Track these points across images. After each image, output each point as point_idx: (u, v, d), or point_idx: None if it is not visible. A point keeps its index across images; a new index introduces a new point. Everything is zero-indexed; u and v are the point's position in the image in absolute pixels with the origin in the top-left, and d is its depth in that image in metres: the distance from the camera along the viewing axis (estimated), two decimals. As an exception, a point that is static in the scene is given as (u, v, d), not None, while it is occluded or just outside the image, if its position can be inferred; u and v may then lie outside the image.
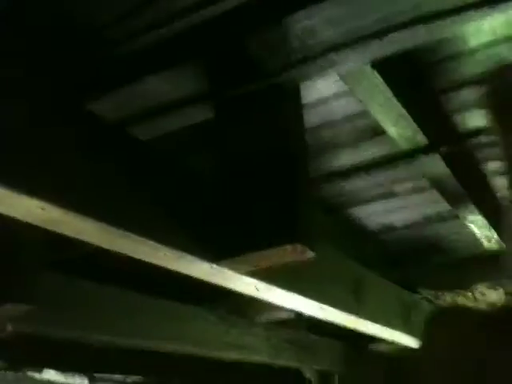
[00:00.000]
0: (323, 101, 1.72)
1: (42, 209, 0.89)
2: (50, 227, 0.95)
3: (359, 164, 1.62)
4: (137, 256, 1.12)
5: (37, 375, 1.82)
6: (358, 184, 2.30)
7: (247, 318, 2.86)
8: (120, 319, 2.10)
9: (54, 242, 1.76)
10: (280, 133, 1.23)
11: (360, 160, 1.71)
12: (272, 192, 1.20)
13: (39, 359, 1.83)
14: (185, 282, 2.18)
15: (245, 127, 1.21)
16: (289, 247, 1.16)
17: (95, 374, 2.30)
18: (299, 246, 1.17)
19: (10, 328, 1.69)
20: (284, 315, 2.97)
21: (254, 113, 1.22)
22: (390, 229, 2.61)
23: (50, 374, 1.83)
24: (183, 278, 1.76)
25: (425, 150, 1.42)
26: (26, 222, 1.45)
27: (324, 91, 1.68)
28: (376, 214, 2.55)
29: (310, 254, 1.19)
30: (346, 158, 1.89)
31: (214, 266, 1.23)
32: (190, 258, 1.18)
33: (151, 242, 1.08)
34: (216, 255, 1.21)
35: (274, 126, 1.22)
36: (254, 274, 1.33)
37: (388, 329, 2.07)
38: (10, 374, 1.73)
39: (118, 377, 2.53)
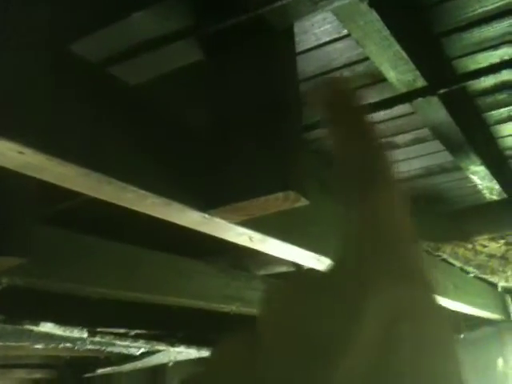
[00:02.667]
0: (320, 47, 1.66)
1: (20, 153, 0.86)
2: (29, 173, 0.91)
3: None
4: (123, 204, 1.09)
5: (35, 328, 1.83)
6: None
7: (247, 271, 2.87)
8: (118, 272, 2.11)
9: (48, 194, 1.74)
10: (272, 77, 1.18)
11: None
12: (263, 139, 1.16)
13: (37, 312, 1.83)
14: (184, 236, 2.17)
15: (235, 72, 1.16)
16: (281, 195, 1.13)
17: (95, 328, 2.31)
18: (292, 194, 1.13)
19: (4, 281, 1.68)
20: (284, 269, 2.97)
21: (245, 57, 1.17)
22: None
23: (47, 326, 1.83)
24: (183, 231, 1.74)
25: (423, 93, 1.36)
26: (19, 175, 1.42)
27: (321, 36, 1.62)
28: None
29: (304, 202, 1.16)
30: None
31: (205, 215, 1.20)
32: (178, 206, 1.15)
33: (137, 189, 1.05)
34: (206, 204, 1.18)
35: (266, 70, 1.17)
36: (246, 223, 1.30)
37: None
38: (8, 327, 1.73)
39: (119, 330, 2.55)
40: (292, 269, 2.84)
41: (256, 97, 1.17)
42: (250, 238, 1.38)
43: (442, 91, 1.34)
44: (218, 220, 1.23)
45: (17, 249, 1.61)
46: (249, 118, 1.17)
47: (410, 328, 0.27)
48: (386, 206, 0.31)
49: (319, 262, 1.66)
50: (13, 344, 3.39)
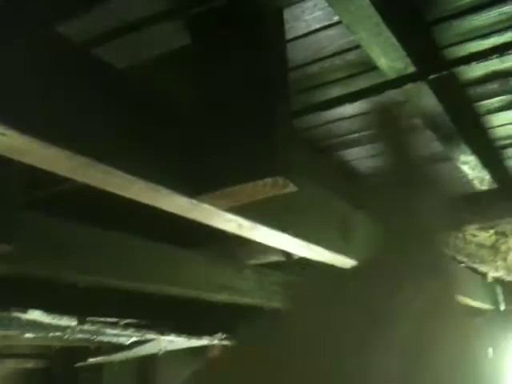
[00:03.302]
0: (311, 34, 1.65)
1: (2, 134, 0.84)
2: (13, 156, 0.90)
3: (347, 99, 1.55)
4: (110, 189, 1.08)
5: (23, 316, 1.81)
6: (347, 125, 2.25)
7: (238, 260, 2.87)
8: (107, 260, 2.09)
9: (35, 180, 1.72)
10: (260, 62, 1.17)
11: (350, 95, 1.65)
12: (251, 124, 1.15)
13: (25, 300, 1.82)
14: (175, 225, 2.16)
15: (222, 56, 1.15)
16: (269, 180, 1.13)
17: (85, 317, 2.30)
18: (280, 179, 1.13)
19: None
20: (275, 258, 2.97)
21: (233, 41, 1.16)
22: (380, 171, 2.57)
23: (35, 314, 1.82)
24: (173, 220, 1.74)
25: (413, 78, 1.36)
26: (3, 160, 1.41)
27: (312, 23, 1.60)
28: (368, 156, 2.51)
29: (292, 188, 1.15)
30: (334, 95, 1.82)
31: (193, 201, 1.19)
32: (166, 191, 1.14)
33: (124, 174, 1.04)
34: (194, 189, 1.17)
35: (254, 54, 1.16)
36: (235, 210, 1.30)
37: (376, 269, 2.06)
38: (-4, 315, 1.72)
39: (109, 319, 2.54)
40: (283, 258, 2.84)
41: (244, 82, 1.16)
42: (239, 226, 1.37)
43: (432, 76, 1.33)
44: (206, 206, 1.22)
45: (2, 236, 1.60)
46: (236, 103, 1.16)
47: (437, 324, 0.27)
48: (417, 213, 0.32)
49: (309, 250, 1.66)
50: (2, 333, 3.38)
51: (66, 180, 1.45)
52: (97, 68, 1.09)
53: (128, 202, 1.47)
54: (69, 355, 4.58)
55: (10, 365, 4.78)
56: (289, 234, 1.51)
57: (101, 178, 1.02)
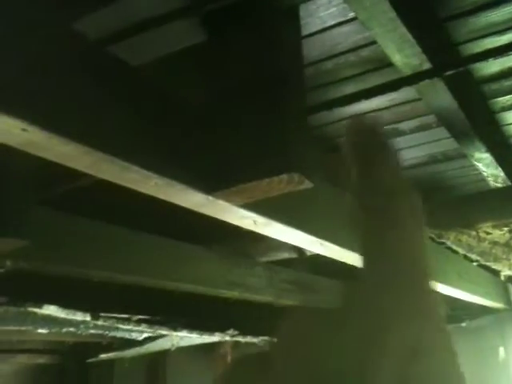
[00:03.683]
0: (325, 30, 1.64)
1: (24, 130, 0.85)
2: (32, 151, 0.91)
3: (363, 95, 1.55)
4: (126, 184, 1.09)
5: (38, 310, 1.83)
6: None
7: (249, 257, 2.87)
8: (120, 257, 2.10)
9: (49, 176, 1.73)
10: (274, 57, 1.17)
11: (365, 92, 1.64)
12: (267, 120, 1.15)
13: (40, 295, 1.84)
14: (187, 222, 2.17)
15: (237, 51, 1.15)
16: (285, 177, 1.12)
17: (98, 312, 2.32)
18: (296, 176, 1.13)
19: (8, 264, 1.68)
20: (286, 255, 2.97)
21: (248, 36, 1.16)
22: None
23: (50, 309, 1.84)
24: (185, 216, 1.74)
25: (429, 75, 1.35)
26: (20, 155, 1.42)
27: (326, 20, 1.60)
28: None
29: (307, 184, 1.15)
30: (349, 91, 1.82)
31: (208, 197, 1.19)
32: (182, 187, 1.14)
33: (140, 169, 1.04)
34: (210, 185, 1.18)
35: (268, 49, 1.16)
36: (250, 206, 1.30)
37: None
38: (11, 311, 1.74)
39: (122, 315, 2.56)
40: (294, 255, 2.84)
41: (259, 78, 1.16)
42: (254, 222, 1.37)
43: (448, 73, 1.33)
44: (221, 202, 1.22)
45: (18, 231, 1.61)
46: (251, 100, 1.16)
47: (425, 365, 0.26)
48: (405, 244, 0.31)
49: (322, 247, 1.66)
50: (16, 328, 3.41)
51: (82, 176, 1.46)
52: (113, 65, 1.09)
53: (140, 199, 1.48)
54: (81, 351, 4.61)
55: (22, 360, 4.82)
56: (303, 230, 1.51)
57: (118, 173, 1.02)
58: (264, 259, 2.97)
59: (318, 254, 2.28)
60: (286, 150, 1.13)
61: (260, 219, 1.37)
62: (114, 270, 2.09)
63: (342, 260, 1.89)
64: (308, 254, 2.78)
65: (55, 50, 0.95)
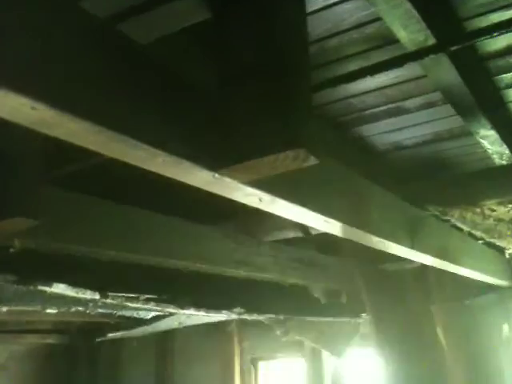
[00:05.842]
0: (329, 7, 1.64)
1: (33, 108, 0.86)
2: (42, 129, 0.92)
3: (368, 71, 1.55)
4: (134, 162, 1.10)
5: (48, 289, 1.86)
6: (367, 100, 2.24)
7: (255, 236, 2.89)
8: (127, 236, 2.13)
9: (60, 157, 1.74)
10: (280, 34, 1.17)
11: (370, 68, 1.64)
12: (272, 98, 1.16)
13: (50, 274, 1.86)
14: (193, 201, 2.19)
15: (242, 29, 1.16)
16: (290, 153, 1.13)
17: (107, 291, 2.35)
18: (301, 152, 1.14)
19: (17, 243, 1.71)
20: (291, 234, 2.99)
21: (252, 14, 1.16)
22: (399, 146, 2.57)
23: (60, 287, 1.87)
24: (191, 195, 1.76)
25: (434, 50, 1.35)
26: (29, 136, 1.43)
27: (331, -4, 1.60)
28: (386, 132, 2.50)
29: (313, 161, 1.16)
30: (353, 69, 1.82)
31: (215, 174, 1.21)
32: (189, 164, 1.15)
33: (149, 147, 1.05)
34: (216, 163, 1.19)
35: (275, 29, 1.16)
36: (256, 184, 1.31)
37: (393, 243, 2.07)
38: (20, 290, 1.76)
39: (130, 294, 2.58)
40: (300, 234, 2.86)
41: (264, 54, 1.16)
42: (260, 199, 1.38)
43: (453, 48, 1.32)
44: (227, 180, 1.23)
45: (27, 211, 1.63)
46: (257, 77, 1.17)
47: None
48: None
49: (327, 224, 1.67)
50: (25, 308, 3.45)
51: (91, 155, 1.47)
52: (122, 44, 1.10)
53: (148, 178, 1.49)
54: (90, 331, 4.67)
55: (32, 340, 4.89)
56: (307, 207, 1.52)
57: (126, 150, 1.04)
58: (269, 238, 2.99)
59: (323, 233, 2.30)
60: (291, 127, 1.14)
61: (265, 197, 1.38)
62: (121, 249, 2.11)
63: (347, 237, 1.91)
64: (313, 232, 2.80)
65: (63, 28, 0.96)
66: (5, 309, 3.39)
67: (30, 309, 3.57)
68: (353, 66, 1.86)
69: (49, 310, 3.59)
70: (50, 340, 4.94)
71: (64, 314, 3.83)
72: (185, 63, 1.23)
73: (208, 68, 1.22)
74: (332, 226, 1.73)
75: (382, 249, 2.12)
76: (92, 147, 1.01)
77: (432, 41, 1.46)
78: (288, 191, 1.44)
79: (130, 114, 1.04)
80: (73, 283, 1.87)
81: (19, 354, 4.87)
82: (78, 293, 1.93)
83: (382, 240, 2.00)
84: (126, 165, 1.12)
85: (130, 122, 1.03)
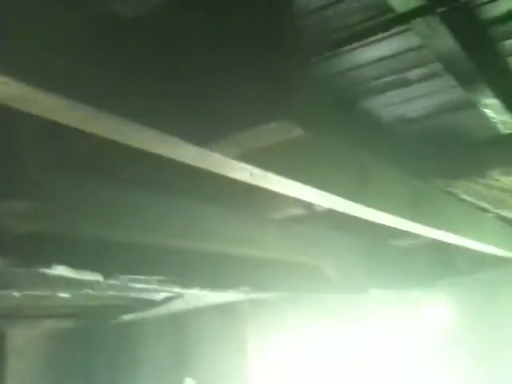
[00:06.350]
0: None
1: (6, 84, 0.85)
2: (17, 106, 0.91)
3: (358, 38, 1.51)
4: (119, 138, 1.09)
5: (47, 271, 1.87)
6: (370, 72, 2.20)
7: (261, 215, 2.88)
8: (130, 217, 2.12)
9: (59, 139, 1.73)
10: (274, 5, 1.15)
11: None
12: (264, 69, 1.13)
13: (50, 256, 1.87)
14: (196, 180, 2.18)
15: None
16: (281, 124, 1.11)
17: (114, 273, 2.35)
18: (291, 123, 1.11)
19: (20, 225, 1.71)
20: (298, 211, 2.97)
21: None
22: (403, 119, 2.53)
23: (60, 269, 1.87)
24: (194, 175, 1.74)
25: (421, 11, 1.30)
26: (31, 118, 1.41)
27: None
28: (389, 105, 2.46)
29: (301, 132, 1.14)
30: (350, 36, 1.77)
31: (203, 150, 1.19)
32: (176, 140, 1.13)
33: (131, 123, 1.04)
34: (204, 138, 1.17)
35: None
36: (246, 158, 1.29)
37: (398, 218, 2.04)
38: (20, 270, 1.77)
39: (136, 276, 2.59)
40: (305, 211, 2.84)
41: (258, 25, 1.14)
42: (251, 174, 1.37)
43: (440, 9, 1.28)
44: (216, 155, 1.22)
45: (30, 193, 1.63)
46: (249, 48, 1.14)
47: None
48: None
49: (324, 199, 1.65)
50: (39, 293, 3.49)
51: (93, 138, 1.46)
52: (107, 16, 1.08)
53: (151, 159, 1.48)
54: (104, 314, 4.71)
55: (48, 325, 4.95)
56: (302, 182, 1.50)
57: (107, 127, 1.02)
58: (275, 216, 2.97)
59: (329, 210, 2.28)
60: (284, 98, 1.11)
61: (256, 171, 1.36)
62: (124, 231, 2.11)
63: (347, 212, 1.88)
64: (319, 209, 2.77)
65: (46, 4, 0.94)
66: (18, 294, 3.44)
67: (43, 294, 3.61)
68: (350, 33, 1.82)
69: (61, 295, 3.64)
70: (66, 324, 5.00)
71: (77, 297, 3.88)
72: (174, 34, 1.20)
73: (198, 39, 1.19)
74: (331, 201, 1.71)
75: (386, 224, 2.10)
76: (73, 124, 1.00)
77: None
78: (281, 165, 1.42)
79: (111, 88, 1.02)
80: (73, 265, 1.88)
81: (35, 338, 4.94)
82: (78, 274, 1.94)
83: (385, 214, 1.97)
84: (130, 147, 1.11)
85: (111, 97, 1.01)
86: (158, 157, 1.22)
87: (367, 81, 2.25)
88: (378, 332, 4.41)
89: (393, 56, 2.07)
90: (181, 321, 5.10)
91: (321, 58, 1.84)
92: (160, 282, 2.34)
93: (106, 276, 2.08)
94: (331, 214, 2.70)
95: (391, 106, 2.44)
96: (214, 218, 2.59)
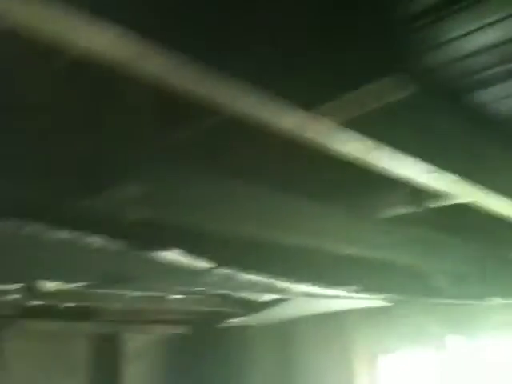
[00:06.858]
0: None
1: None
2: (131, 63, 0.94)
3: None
4: (224, 100, 1.09)
5: (160, 255, 1.91)
6: (482, 62, 2.07)
7: (369, 214, 2.80)
8: (241, 212, 2.11)
9: (172, 120, 1.73)
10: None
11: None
12: (369, 26, 1.11)
13: (164, 242, 1.92)
14: (307, 177, 2.15)
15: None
16: (392, 79, 1.07)
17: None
18: (404, 78, 1.07)
19: (131, 210, 1.73)
20: (410, 210, 2.84)
21: None
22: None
23: (176, 253, 1.92)
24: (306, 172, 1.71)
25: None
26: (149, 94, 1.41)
27: None
28: (503, 97, 2.30)
29: (412, 89, 1.10)
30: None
31: (307, 114, 1.16)
32: (279, 104, 1.11)
33: (241, 83, 1.04)
34: (310, 101, 1.14)
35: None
36: (356, 126, 1.24)
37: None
38: (132, 254, 1.82)
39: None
40: (413, 209, 2.72)
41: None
42: (362, 145, 1.31)
43: None
44: (322, 120, 1.18)
45: (139, 179, 1.67)
46: (355, 10, 1.13)
47: None
48: None
49: (440, 177, 1.55)
50: (152, 294, 3.63)
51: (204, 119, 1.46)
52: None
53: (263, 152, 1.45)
54: (210, 319, 4.79)
55: (158, 330, 5.13)
56: (418, 156, 1.41)
57: (217, 86, 1.03)
58: (384, 216, 2.88)
59: (439, 207, 2.16)
60: (394, 52, 1.08)
61: (368, 142, 1.30)
62: (234, 225, 2.12)
63: (463, 195, 1.77)
64: (428, 206, 2.64)
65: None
66: (133, 294, 3.58)
67: (157, 294, 3.74)
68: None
69: (173, 296, 3.75)
70: (175, 330, 5.14)
71: (185, 302, 3.98)
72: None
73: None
74: (446, 182, 1.61)
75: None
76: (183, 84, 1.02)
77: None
78: (395, 136, 1.35)
79: (221, 48, 1.04)
80: (187, 250, 1.92)
81: (150, 343, 5.12)
82: (193, 259, 1.98)
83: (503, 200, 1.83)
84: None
85: (220, 56, 1.03)
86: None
87: (479, 72, 2.12)
88: (497, 345, 4.10)
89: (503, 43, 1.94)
90: (287, 330, 5.08)
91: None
92: (269, 273, 2.34)
93: (220, 263, 2.11)
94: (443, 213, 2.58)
95: (505, 97, 2.28)
96: (322, 216, 2.54)
